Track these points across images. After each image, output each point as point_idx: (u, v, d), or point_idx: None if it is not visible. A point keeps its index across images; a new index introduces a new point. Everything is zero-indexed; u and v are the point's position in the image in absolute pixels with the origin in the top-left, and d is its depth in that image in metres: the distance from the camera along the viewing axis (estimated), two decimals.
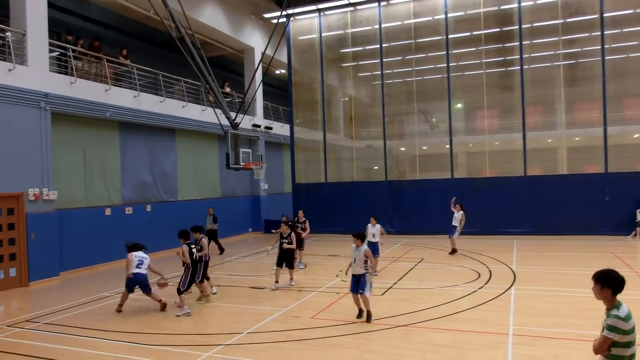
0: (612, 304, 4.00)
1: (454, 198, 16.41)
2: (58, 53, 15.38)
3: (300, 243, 14.26)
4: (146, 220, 17.48)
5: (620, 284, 4.00)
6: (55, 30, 17.08)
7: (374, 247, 12.51)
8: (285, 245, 11.76)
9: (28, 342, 8.39)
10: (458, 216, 15.83)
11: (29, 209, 13.34)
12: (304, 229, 14.95)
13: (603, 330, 3.93)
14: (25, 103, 13.33)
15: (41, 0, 14.13)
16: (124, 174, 17.41)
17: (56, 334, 8.73)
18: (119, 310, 10.01)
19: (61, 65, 15.26)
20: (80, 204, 15.73)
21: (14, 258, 13.12)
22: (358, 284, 8.73)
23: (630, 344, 3.91)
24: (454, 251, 16.05)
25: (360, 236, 8.94)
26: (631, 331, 3.88)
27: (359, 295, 8.73)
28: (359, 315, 8.90)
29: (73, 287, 13.07)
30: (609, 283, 4.00)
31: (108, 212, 16.52)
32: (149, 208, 18.12)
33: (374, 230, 13.08)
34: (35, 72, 13.70)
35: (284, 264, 11.83)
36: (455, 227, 15.85)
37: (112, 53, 18.06)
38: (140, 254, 10.28)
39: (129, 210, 17.22)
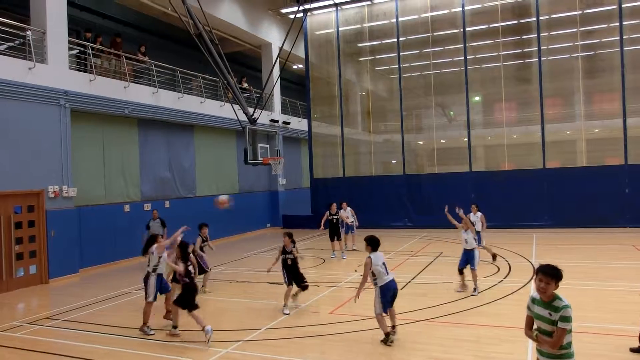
0: (553, 296, 4.15)
1: (461, 210, 12.38)
2: (77, 51, 15.54)
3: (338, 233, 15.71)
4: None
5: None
6: (75, 29, 17.25)
7: (478, 236, 12.09)
8: (290, 261, 9.69)
9: (48, 339, 8.45)
10: (476, 219, 13.56)
11: (48, 206, 13.51)
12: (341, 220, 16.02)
13: (555, 324, 4.03)
14: (45, 101, 13.49)
15: None
16: (142, 171, 17.55)
17: (76, 330, 8.82)
18: None
19: (80, 62, 15.41)
20: (99, 200, 15.89)
21: (34, 255, 13.27)
22: None
23: (571, 330, 4.09)
24: (494, 257, 13.46)
25: None
26: None
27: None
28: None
29: (92, 283, 13.22)
30: (559, 277, 4.18)
31: (127, 208, 16.67)
32: (167, 204, 18.26)
33: (474, 218, 13.09)
34: (55, 70, 13.83)
35: (294, 282, 9.66)
36: (479, 233, 13.11)
37: (130, 50, 18.23)
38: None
39: (147, 206, 17.29)
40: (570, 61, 20.83)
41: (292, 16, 22.47)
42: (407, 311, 8.96)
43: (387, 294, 7.49)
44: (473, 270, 10.10)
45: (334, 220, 15.63)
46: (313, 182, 24.98)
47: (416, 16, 22.65)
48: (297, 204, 26.30)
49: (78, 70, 15.10)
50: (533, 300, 4.29)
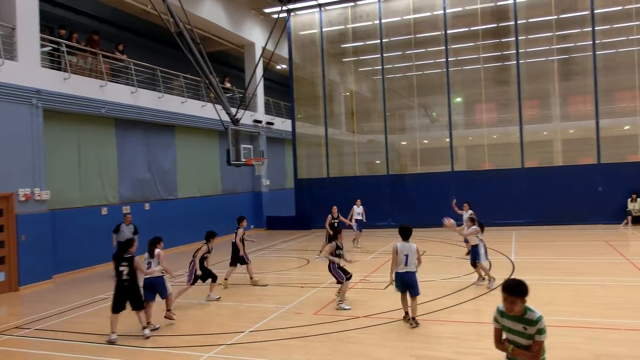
0: (524, 309, 3.97)
1: (454, 200, 15.49)
2: (50, 48, 14.86)
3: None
4: (144, 219, 16.83)
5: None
6: (48, 25, 16.52)
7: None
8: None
9: (18, 350, 8.07)
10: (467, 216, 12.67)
11: (19, 209, 12.83)
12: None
13: (532, 338, 3.90)
14: (15, 100, 12.84)
15: None
16: (121, 172, 17.08)
17: (49, 340, 8.42)
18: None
19: (54, 60, 14.77)
20: (75, 203, 15.34)
21: (3, 262, 12.57)
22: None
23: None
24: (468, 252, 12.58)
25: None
26: None
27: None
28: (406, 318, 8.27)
29: (67, 290, 12.72)
30: (526, 293, 3.96)
31: (104, 211, 16.14)
32: (147, 206, 17.89)
33: (467, 215, 12.93)
34: (26, 67, 13.22)
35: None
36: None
37: (108, 48, 17.67)
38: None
39: (126, 209, 16.72)
40: (547, 64, 21.40)
41: (275, 16, 22.40)
42: (391, 310, 8.96)
43: (398, 282, 8.20)
44: (478, 263, 10.63)
45: (335, 224, 15.39)
46: (297, 183, 24.92)
47: (399, 18, 22.84)
48: (281, 204, 26.18)
49: (52, 68, 14.46)
50: (502, 313, 4.09)
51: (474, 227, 10.68)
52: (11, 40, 13.09)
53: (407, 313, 8.27)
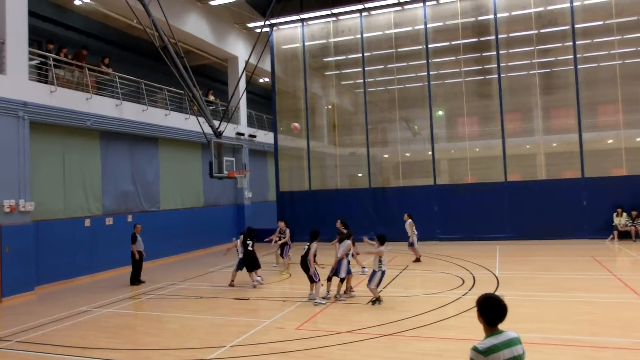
0: (485, 333, 3.63)
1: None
2: (38, 62, 15.17)
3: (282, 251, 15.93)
4: (127, 231, 16.87)
5: (492, 314, 3.58)
6: (36, 39, 16.86)
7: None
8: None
9: None
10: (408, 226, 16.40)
11: (3, 220, 12.96)
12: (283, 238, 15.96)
13: None
14: (2, 112, 13.06)
15: (21, 9, 13.94)
16: (104, 184, 17.13)
17: (30, 352, 8.36)
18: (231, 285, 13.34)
19: (42, 74, 15.03)
20: (58, 215, 15.39)
21: None
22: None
23: None
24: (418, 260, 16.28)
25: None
26: None
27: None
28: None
29: (49, 301, 12.67)
30: (480, 312, 3.64)
31: (87, 223, 16.19)
32: (130, 218, 17.82)
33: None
34: (14, 80, 13.47)
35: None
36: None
37: (94, 62, 17.87)
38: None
39: (109, 220, 16.94)
40: (528, 78, 21.57)
41: (258, 30, 22.57)
42: (373, 325, 8.99)
43: (382, 277, 10.70)
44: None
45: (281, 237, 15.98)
46: (279, 195, 24.91)
47: (380, 32, 23.08)
48: (264, 217, 26.12)
49: (39, 81, 14.72)
50: (490, 349, 3.49)
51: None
52: (0, 54, 13.26)
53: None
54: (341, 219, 15.71)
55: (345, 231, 13.60)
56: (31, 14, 14.72)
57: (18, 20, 13.76)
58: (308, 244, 11.50)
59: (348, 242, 11.38)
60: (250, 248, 13.48)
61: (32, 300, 13.05)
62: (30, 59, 14.50)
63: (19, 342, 9.03)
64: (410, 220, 16.35)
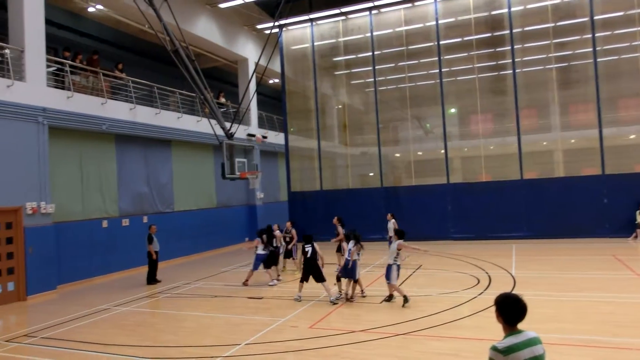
0: (505, 332, 3.57)
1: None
2: (55, 68, 15.56)
3: (288, 253, 15.98)
4: (143, 232, 17.27)
5: (511, 313, 3.53)
6: (52, 46, 17.24)
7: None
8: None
9: (25, 357, 8.33)
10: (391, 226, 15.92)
11: (27, 222, 13.44)
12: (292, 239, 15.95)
13: None
14: (23, 118, 13.50)
15: (39, 17, 14.31)
16: (120, 186, 17.48)
17: (54, 348, 8.70)
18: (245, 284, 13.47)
19: (58, 80, 15.41)
20: (77, 216, 15.80)
21: (12, 272, 13.24)
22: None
23: None
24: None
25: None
26: None
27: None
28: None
29: (71, 300, 13.08)
30: (500, 311, 3.58)
31: (105, 224, 16.61)
32: (145, 219, 18.11)
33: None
34: (33, 87, 13.90)
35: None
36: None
37: (108, 67, 18.23)
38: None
39: (125, 222, 17.33)
40: (545, 73, 21.03)
41: (267, 32, 22.60)
42: (387, 325, 8.96)
43: (399, 271, 10.76)
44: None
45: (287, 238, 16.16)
46: (291, 196, 24.95)
47: (390, 30, 22.94)
48: (275, 217, 26.16)
49: (56, 87, 15.10)
50: (510, 349, 3.44)
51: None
52: (20, 62, 13.70)
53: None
54: (338, 216, 15.50)
55: (341, 229, 14.18)
56: (47, 22, 15.03)
57: (36, 29, 14.16)
58: (306, 246, 11.46)
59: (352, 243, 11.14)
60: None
61: (54, 299, 13.49)
62: (48, 66, 14.88)
63: (43, 338, 9.36)
64: (393, 220, 16.13)
